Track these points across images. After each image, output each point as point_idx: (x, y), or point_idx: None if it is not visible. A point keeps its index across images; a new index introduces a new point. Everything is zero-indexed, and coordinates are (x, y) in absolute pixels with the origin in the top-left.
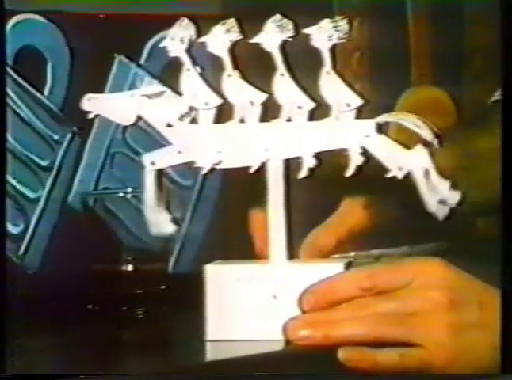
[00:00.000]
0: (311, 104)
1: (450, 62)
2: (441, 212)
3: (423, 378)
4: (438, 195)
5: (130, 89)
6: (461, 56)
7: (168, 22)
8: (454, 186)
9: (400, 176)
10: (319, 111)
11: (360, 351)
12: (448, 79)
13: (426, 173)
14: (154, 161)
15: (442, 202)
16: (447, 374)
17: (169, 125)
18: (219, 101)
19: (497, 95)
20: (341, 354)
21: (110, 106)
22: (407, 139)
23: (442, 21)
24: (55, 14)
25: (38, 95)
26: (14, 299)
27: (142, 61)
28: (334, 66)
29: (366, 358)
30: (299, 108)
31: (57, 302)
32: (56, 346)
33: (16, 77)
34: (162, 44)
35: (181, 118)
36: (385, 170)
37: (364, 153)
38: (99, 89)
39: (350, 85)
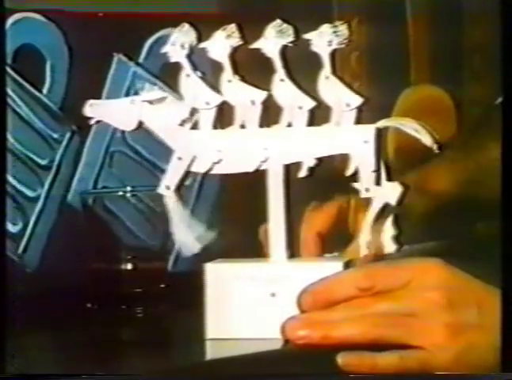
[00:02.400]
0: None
1: (449, 62)
2: None
3: (423, 379)
4: None
5: (129, 88)
6: (461, 56)
7: (167, 21)
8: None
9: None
10: (319, 116)
11: (359, 355)
12: (447, 78)
13: None
14: (168, 185)
15: None
16: (447, 374)
17: (170, 131)
18: (219, 106)
19: (500, 99)
20: (340, 359)
21: (111, 112)
22: (407, 144)
23: (442, 21)
24: (54, 13)
25: (37, 94)
26: (13, 298)
27: (141, 60)
28: (334, 71)
29: (366, 362)
30: (300, 108)
31: (56, 300)
32: (55, 345)
33: (15, 75)
34: (162, 50)
35: (182, 123)
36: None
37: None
38: (98, 87)
39: (350, 87)
